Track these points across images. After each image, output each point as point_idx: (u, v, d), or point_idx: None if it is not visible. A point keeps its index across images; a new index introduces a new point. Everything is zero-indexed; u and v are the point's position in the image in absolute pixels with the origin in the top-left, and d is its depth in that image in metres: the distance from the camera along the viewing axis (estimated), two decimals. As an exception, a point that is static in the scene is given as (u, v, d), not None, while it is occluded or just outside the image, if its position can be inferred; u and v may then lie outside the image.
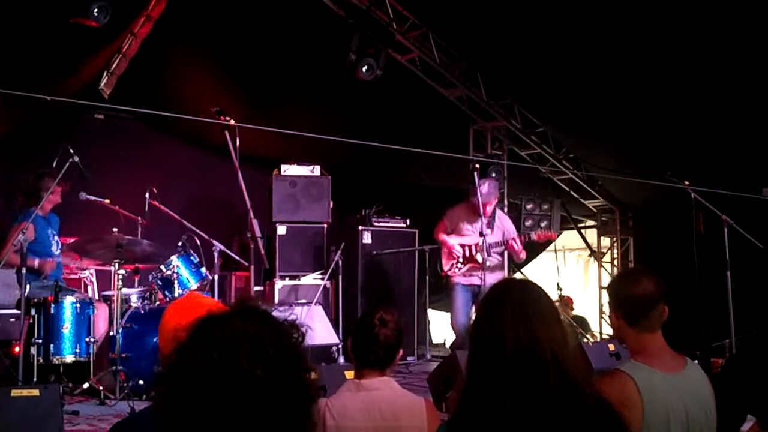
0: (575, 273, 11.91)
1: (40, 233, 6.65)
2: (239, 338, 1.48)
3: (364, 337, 3.15)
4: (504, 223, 7.68)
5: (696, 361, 2.92)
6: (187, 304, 2.47)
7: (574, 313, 10.52)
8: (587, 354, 6.00)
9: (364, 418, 3.07)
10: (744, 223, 6.87)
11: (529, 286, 2.21)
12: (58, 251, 6.91)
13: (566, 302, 10.43)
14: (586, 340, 9.18)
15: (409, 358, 8.33)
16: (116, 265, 6.28)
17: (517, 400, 1.96)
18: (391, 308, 3.35)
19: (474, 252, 7.46)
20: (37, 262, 6.48)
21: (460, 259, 7.54)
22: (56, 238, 6.90)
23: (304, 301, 7.90)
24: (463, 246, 7.54)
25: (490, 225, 7.42)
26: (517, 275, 10.04)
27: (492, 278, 7.15)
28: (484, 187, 7.31)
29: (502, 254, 7.79)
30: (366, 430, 3.07)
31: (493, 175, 8.82)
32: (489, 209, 7.42)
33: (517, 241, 7.43)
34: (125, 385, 5.87)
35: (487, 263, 7.23)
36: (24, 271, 5.75)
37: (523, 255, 7.60)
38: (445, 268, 7.68)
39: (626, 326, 2.81)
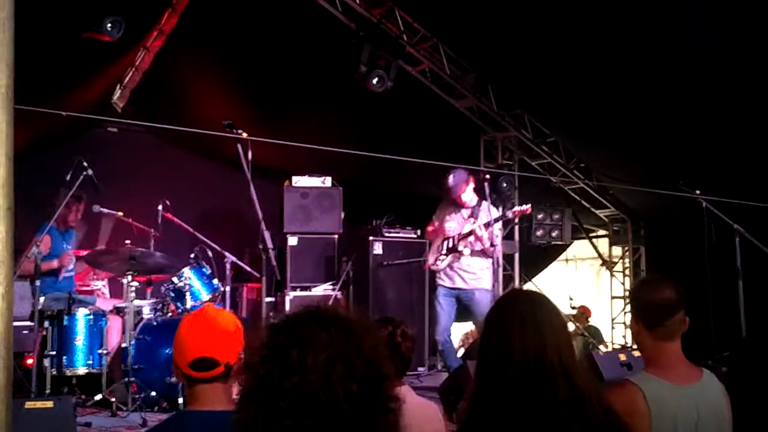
0: (587, 282, 11.88)
1: (55, 246, 6.71)
2: (332, 359, 1.51)
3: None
4: (490, 213, 7.26)
5: (709, 371, 2.92)
6: (201, 317, 2.49)
7: (589, 323, 10.48)
8: (598, 364, 6.00)
9: None
10: (756, 232, 6.85)
11: (537, 297, 2.24)
12: (72, 266, 6.98)
13: (583, 312, 10.40)
14: (600, 350, 9.14)
15: (419, 369, 8.33)
16: (129, 276, 6.33)
17: (525, 410, 1.97)
18: (401, 319, 3.37)
19: (456, 242, 7.26)
20: (55, 262, 6.55)
21: (443, 251, 7.33)
22: (71, 255, 6.98)
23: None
24: (446, 238, 7.35)
25: (474, 215, 7.17)
26: (528, 285, 10.03)
27: (474, 280, 7.06)
28: (450, 180, 7.25)
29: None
30: None
31: (504, 185, 8.83)
32: (466, 199, 7.21)
33: (481, 227, 7.07)
34: (137, 396, 5.90)
35: (465, 251, 7.10)
36: (38, 283, 5.81)
37: (486, 244, 7.11)
38: (429, 261, 7.52)
39: (645, 331, 2.82)
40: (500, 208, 7.68)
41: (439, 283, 7.40)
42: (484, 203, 7.25)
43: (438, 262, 7.36)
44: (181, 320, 2.55)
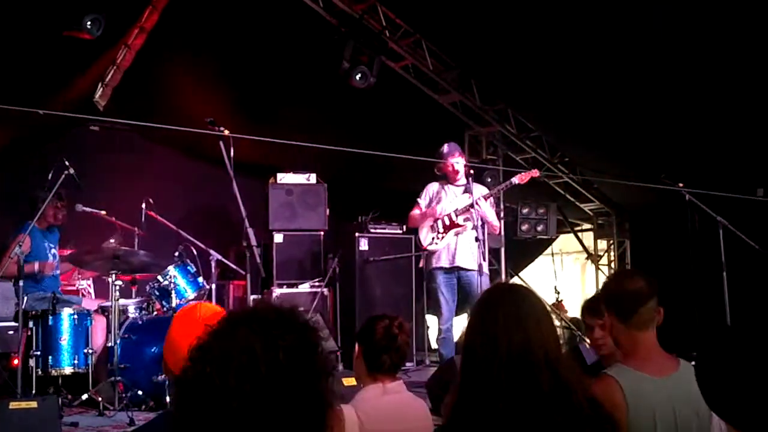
0: (572, 276, 11.91)
1: (36, 246, 6.67)
2: (232, 353, 1.47)
3: (385, 345, 3.20)
4: (479, 191, 7.24)
5: (692, 363, 2.92)
6: (194, 317, 2.48)
7: (572, 315, 10.52)
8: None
9: (396, 421, 3.11)
10: (739, 224, 6.89)
11: (522, 290, 2.25)
12: (56, 264, 6.93)
13: (559, 307, 10.43)
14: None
15: (407, 364, 8.32)
16: (113, 275, 6.30)
17: (510, 402, 1.98)
18: (392, 314, 3.39)
19: (455, 216, 7.12)
20: (36, 265, 6.51)
21: (440, 228, 7.15)
22: (54, 251, 6.92)
23: (301, 309, 7.88)
24: (440, 217, 7.18)
25: (469, 190, 6.97)
26: (514, 280, 10.05)
27: (475, 261, 6.77)
28: (444, 147, 7.26)
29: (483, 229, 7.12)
30: None
31: (489, 180, 8.83)
32: (459, 168, 7.14)
33: (481, 198, 6.97)
34: (124, 395, 5.88)
35: (468, 224, 6.99)
36: (21, 283, 5.77)
37: (488, 217, 7.08)
38: (425, 243, 7.26)
39: (618, 323, 2.84)
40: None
41: (436, 265, 7.22)
42: (475, 184, 7.18)
43: (436, 242, 7.17)
44: (172, 320, 2.54)
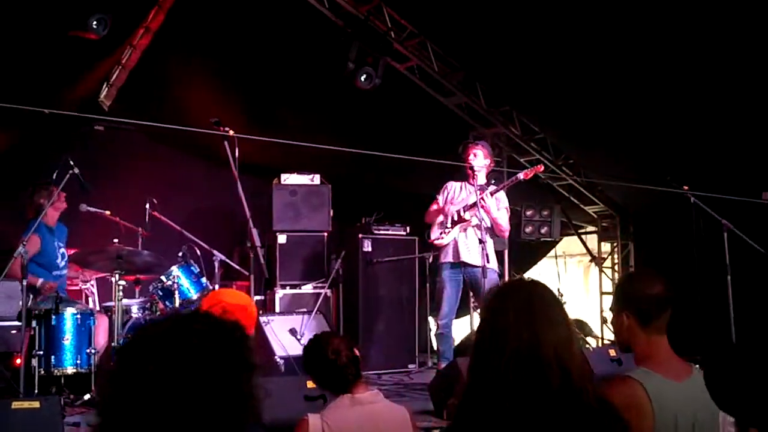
0: (576, 279, 11.89)
1: (45, 245, 6.66)
2: (145, 338, 1.53)
3: (329, 371, 3.24)
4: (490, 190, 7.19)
5: (697, 366, 2.91)
6: (217, 300, 2.47)
7: (575, 317, 10.50)
8: (588, 359, 5.99)
9: (365, 431, 3.10)
10: (744, 227, 6.87)
11: (536, 286, 2.20)
12: (64, 263, 6.91)
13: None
14: (589, 343, 9.17)
15: (410, 366, 8.32)
16: (117, 275, 6.30)
17: (518, 400, 1.96)
18: (335, 333, 3.39)
19: (463, 212, 7.12)
20: (40, 282, 6.48)
21: (448, 224, 7.17)
22: (62, 250, 6.90)
23: (305, 310, 7.89)
24: (450, 212, 7.21)
25: (483, 189, 6.98)
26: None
27: (482, 256, 6.75)
28: (472, 139, 7.36)
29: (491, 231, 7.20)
30: None
31: (493, 181, 8.82)
32: (480, 163, 7.10)
33: (488, 194, 6.93)
34: (126, 396, 5.87)
35: (474, 221, 6.96)
36: (25, 283, 5.77)
37: (493, 214, 7.01)
38: (433, 237, 7.28)
39: (638, 327, 2.78)
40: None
41: (444, 260, 7.22)
42: (493, 187, 7.18)
43: (443, 236, 7.20)
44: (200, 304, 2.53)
